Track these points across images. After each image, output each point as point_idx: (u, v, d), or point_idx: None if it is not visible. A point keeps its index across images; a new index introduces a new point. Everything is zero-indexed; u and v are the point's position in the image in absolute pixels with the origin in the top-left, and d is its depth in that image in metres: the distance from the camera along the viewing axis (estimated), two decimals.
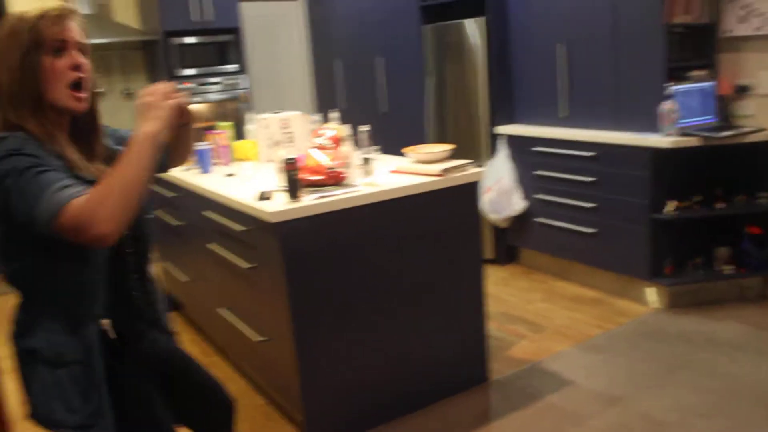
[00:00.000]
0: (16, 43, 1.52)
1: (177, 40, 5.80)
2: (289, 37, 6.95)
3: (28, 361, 1.63)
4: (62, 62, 1.55)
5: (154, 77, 6.12)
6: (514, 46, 4.78)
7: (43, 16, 1.54)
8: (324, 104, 6.50)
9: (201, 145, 3.65)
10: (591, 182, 4.24)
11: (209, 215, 3.20)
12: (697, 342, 3.58)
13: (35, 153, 1.48)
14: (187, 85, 5.87)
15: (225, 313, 3.32)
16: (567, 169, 4.41)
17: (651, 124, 3.92)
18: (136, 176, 1.46)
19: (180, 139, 1.89)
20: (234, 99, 6.09)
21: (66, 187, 1.43)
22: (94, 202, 1.40)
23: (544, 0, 4.48)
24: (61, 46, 1.55)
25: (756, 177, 4.00)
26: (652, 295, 4.11)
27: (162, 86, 1.60)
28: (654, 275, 4.04)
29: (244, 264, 2.92)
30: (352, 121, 3.50)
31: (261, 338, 2.98)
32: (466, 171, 3.01)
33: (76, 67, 1.57)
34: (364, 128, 2.90)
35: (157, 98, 1.57)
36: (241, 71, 6.14)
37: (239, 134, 4.34)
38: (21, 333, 1.65)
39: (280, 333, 2.80)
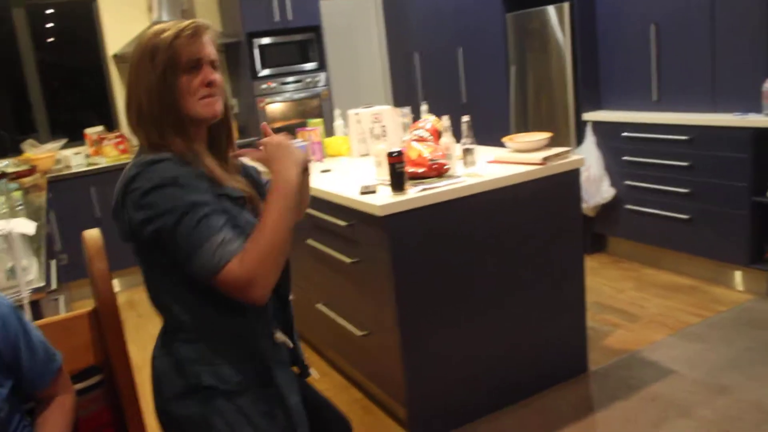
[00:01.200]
0: (153, 64, 1.53)
1: (258, 41, 5.91)
2: (366, 33, 7.00)
3: (201, 398, 1.59)
4: (197, 80, 1.55)
5: (237, 78, 6.25)
6: (601, 30, 4.69)
7: (178, 36, 1.54)
8: (402, 98, 6.53)
9: (295, 143, 3.70)
10: (685, 167, 4.14)
11: (309, 211, 3.25)
12: None
13: (191, 183, 1.48)
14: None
15: (323, 309, 3.37)
16: (658, 154, 4.31)
17: (752, 103, 3.79)
18: (286, 232, 1.47)
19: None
20: (315, 96, 6.18)
21: (224, 242, 1.43)
22: (252, 266, 1.41)
23: None
24: (196, 64, 1.55)
25: None
26: (751, 281, 3.99)
27: (281, 136, 1.59)
28: (754, 261, 3.92)
29: (346, 258, 2.96)
30: (435, 113, 3.51)
31: (363, 332, 3.01)
32: (567, 158, 2.98)
33: (210, 83, 1.56)
34: (465, 119, 2.90)
35: (287, 142, 1.56)
36: (321, 69, 6.22)
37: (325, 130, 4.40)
38: (184, 371, 1.61)
39: (384, 326, 2.83)
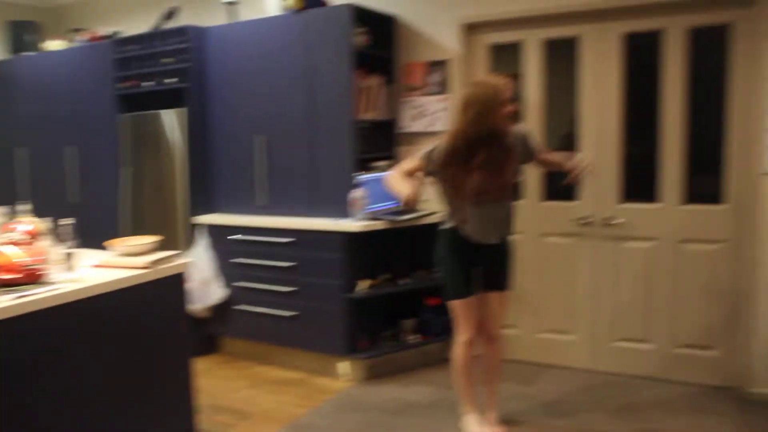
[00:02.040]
0: None
1: None
2: None
3: None
4: None
5: None
6: (214, 138, 4.91)
7: None
8: (2, 195, 5.98)
9: None
10: (290, 267, 4.46)
11: None
12: (395, 408, 3.91)
13: None
14: None
15: None
16: (266, 255, 4.58)
17: (344, 210, 4.30)
18: None
19: None
20: None
21: None
22: None
23: (243, 94, 4.72)
24: None
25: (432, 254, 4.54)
26: (349, 369, 4.38)
27: None
28: (350, 351, 4.33)
29: None
30: (38, 214, 3.30)
31: None
32: (173, 262, 3.01)
33: None
34: (66, 221, 2.77)
35: None
36: None
37: None
38: None
39: None
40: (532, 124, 4.31)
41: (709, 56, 3.95)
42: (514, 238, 3.47)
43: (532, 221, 4.44)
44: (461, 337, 3.40)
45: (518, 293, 4.35)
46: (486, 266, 3.39)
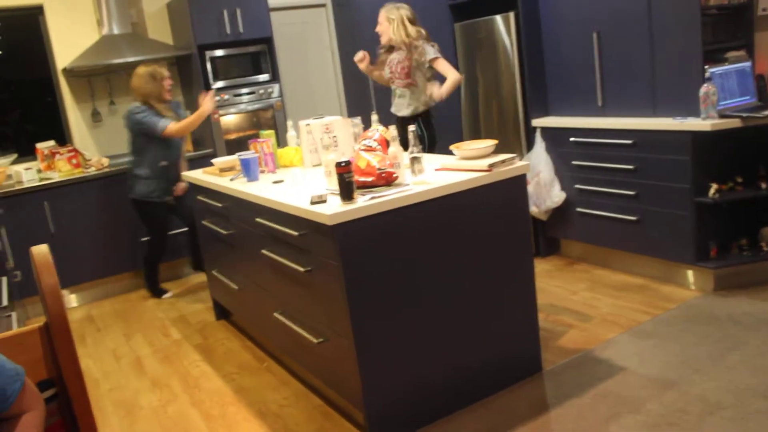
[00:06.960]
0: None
1: (210, 54, 5.91)
2: (319, 44, 7.03)
3: None
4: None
5: (190, 91, 6.23)
6: (546, 39, 4.80)
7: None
8: (355, 108, 6.57)
9: (247, 154, 3.72)
10: (630, 170, 4.25)
11: (262, 222, 3.27)
12: (747, 323, 3.58)
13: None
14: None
15: (280, 317, 3.39)
16: (605, 158, 4.42)
17: (689, 108, 3.92)
18: None
19: None
20: (268, 108, 6.18)
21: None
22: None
23: None
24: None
25: None
26: (697, 279, 4.11)
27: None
28: (699, 259, 4.04)
29: (300, 267, 2.98)
30: (385, 123, 3.56)
31: (319, 339, 3.04)
32: (512, 165, 3.05)
33: None
34: (411, 128, 2.96)
35: None
36: (274, 80, 6.23)
37: (278, 142, 4.42)
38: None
39: (338, 333, 2.86)
40: None
41: None
42: None
43: None
44: None
45: None
46: None
